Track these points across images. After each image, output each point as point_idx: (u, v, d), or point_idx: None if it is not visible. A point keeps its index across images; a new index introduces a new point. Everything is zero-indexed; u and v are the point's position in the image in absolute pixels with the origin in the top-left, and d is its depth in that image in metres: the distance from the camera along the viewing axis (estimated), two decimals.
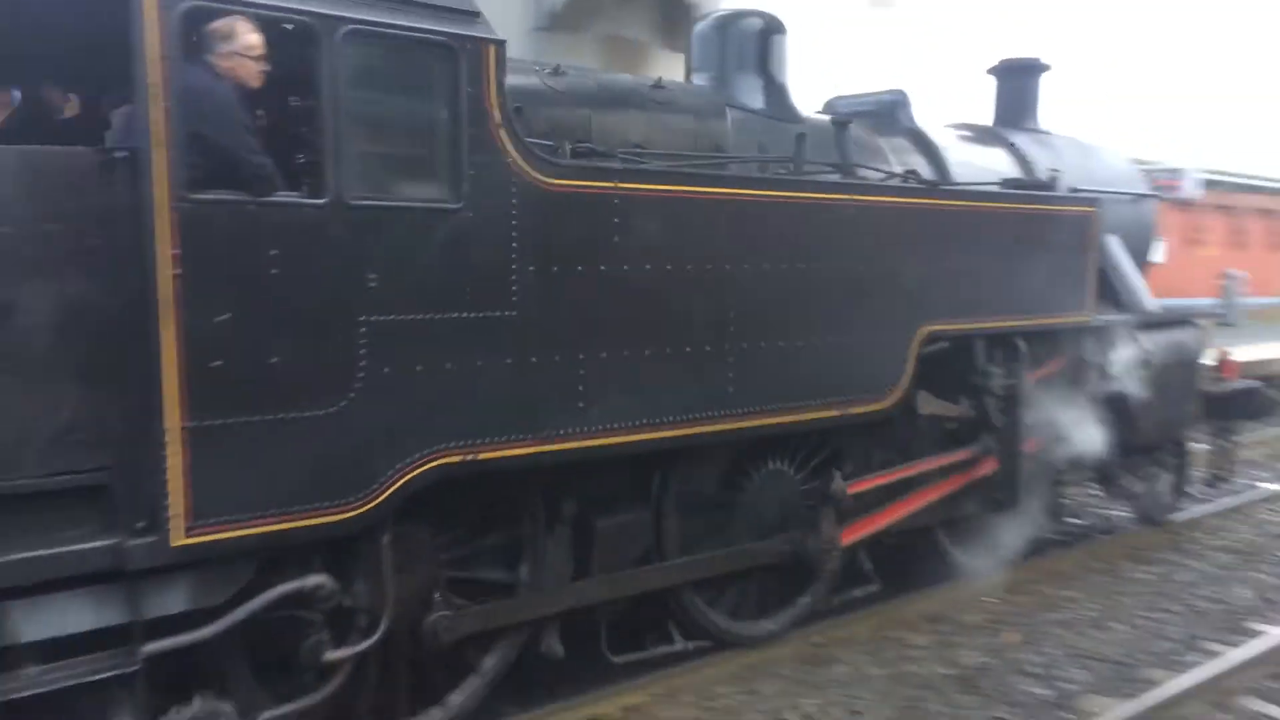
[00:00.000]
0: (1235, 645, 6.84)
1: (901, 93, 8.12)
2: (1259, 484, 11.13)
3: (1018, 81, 9.21)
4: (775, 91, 7.04)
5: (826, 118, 7.48)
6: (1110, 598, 7.79)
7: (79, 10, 4.28)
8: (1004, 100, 9.21)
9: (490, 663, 5.43)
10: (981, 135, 8.65)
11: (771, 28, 7.09)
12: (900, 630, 7.02)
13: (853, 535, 6.74)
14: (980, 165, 7.99)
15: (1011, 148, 8.52)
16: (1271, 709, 6.08)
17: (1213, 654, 6.73)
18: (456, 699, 5.33)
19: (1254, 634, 7.06)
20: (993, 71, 9.37)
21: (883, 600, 7.35)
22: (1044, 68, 9.29)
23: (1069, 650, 6.84)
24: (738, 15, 7.15)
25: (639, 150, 5.73)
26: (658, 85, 6.47)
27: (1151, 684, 6.27)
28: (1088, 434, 7.92)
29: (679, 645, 6.21)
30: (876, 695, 6.11)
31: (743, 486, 6.33)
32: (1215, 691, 6.20)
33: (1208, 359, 9.14)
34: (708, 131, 6.44)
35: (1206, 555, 8.79)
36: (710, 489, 6.24)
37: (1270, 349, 17.20)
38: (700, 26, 7.33)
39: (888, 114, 7.98)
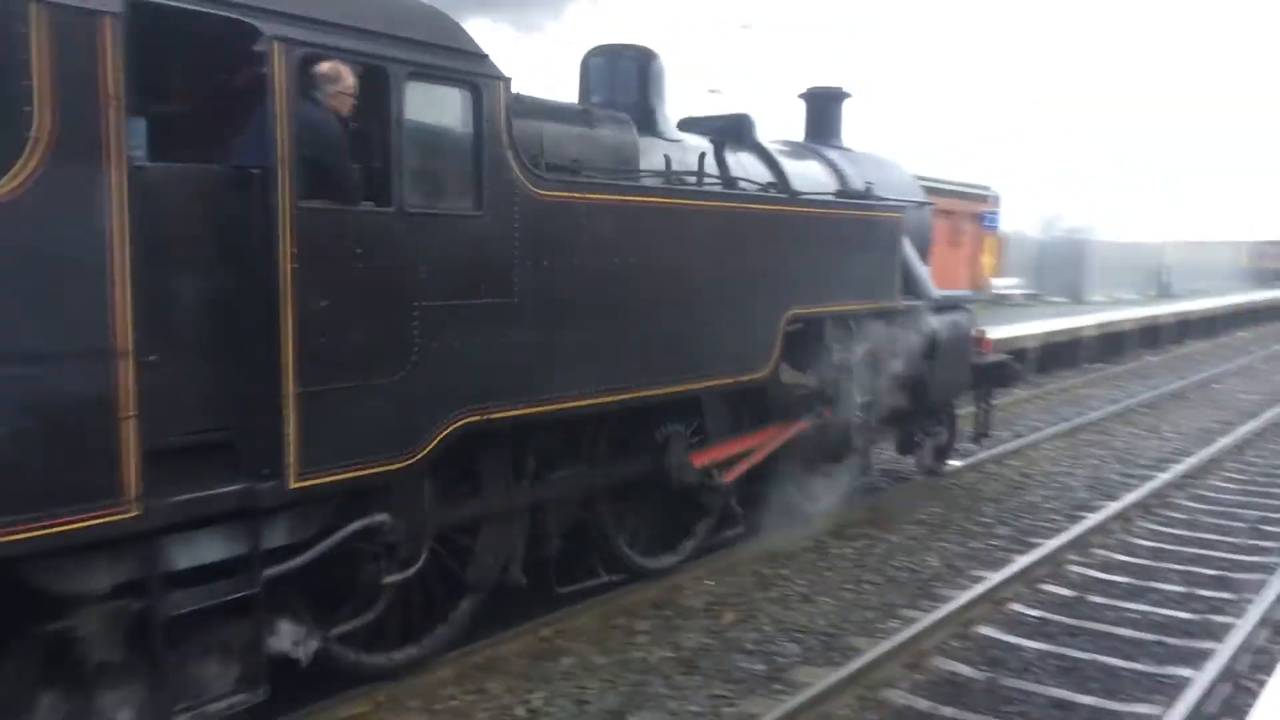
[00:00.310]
0: (926, 610, 7.44)
1: (747, 115, 9.19)
2: (949, 462, 12.15)
3: (824, 105, 10.58)
4: (653, 113, 8.14)
5: (704, 137, 8.49)
6: (818, 573, 8.30)
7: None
8: (812, 121, 10.53)
9: (459, 614, 6.41)
10: (799, 150, 9.82)
11: (650, 59, 8.20)
12: (625, 618, 7.19)
13: (702, 460, 7.87)
14: (809, 177, 9.24)
15: (826, 161, 9.77)
16: (957, 665, 6.68)
17: (908, 619, 7.30)
18: (427, 642, 6.25)
19: (942, 599, 7.71)
20: (803, 96, 10.69)
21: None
22: (846, 94, 10.72)
23: (782, 625, 7.24)
24: (624, 48, 8.26)
25: (577, 163, 6.69)
26: (584, 109, 7.50)
27: (856, 651, 6.73)
28: (897, 397, 9.73)
29: (604, 579, 7.44)
30: (603, 683, 6.24)
31: (651, 441, 7.51)
32: (910, 654, 6.74)
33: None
34: (624, 147, 7.38)
35: (900, 529, 9.53)
36: (628, 444, 7.42)
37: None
38: (592, 58, 8.31)
39: (736, 132, 8.98)
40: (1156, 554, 9.12)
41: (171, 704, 4.60)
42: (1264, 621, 7.24)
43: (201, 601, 4.67)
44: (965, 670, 6.62)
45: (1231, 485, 11.75)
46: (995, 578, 8.00)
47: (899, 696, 6.23)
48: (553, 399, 6.22)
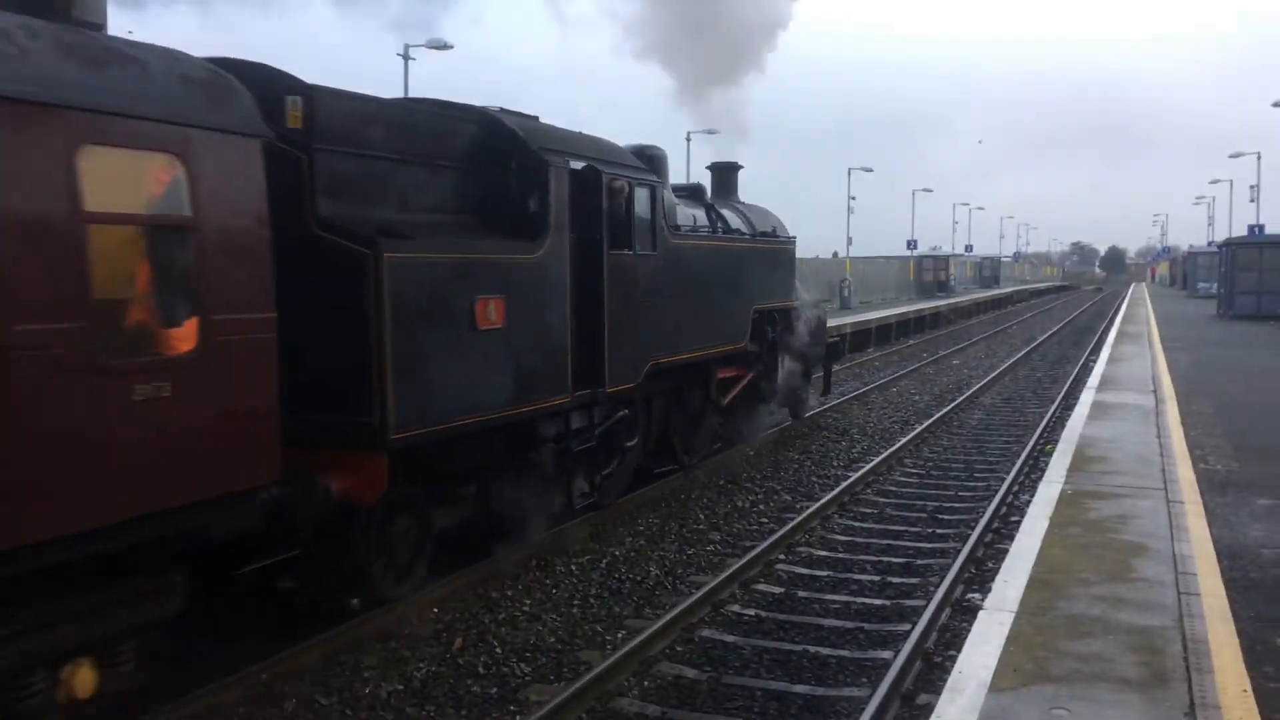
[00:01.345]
0: (650, 619, 7.67)
1: (700, 184, 14.24)
2: (687, 469, 12.53)
3: (725, 173, 14.90)
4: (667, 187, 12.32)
5: (696, 199, 13.39)
6: (544, 591, 8.36)
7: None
8: (717, 184, 14.73)
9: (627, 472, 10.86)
10: (720, 204, 13.87)
11: (662, 156, 12.25)
12: (351, 654, 6.93)
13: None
14: (734, 222, 13.65)
15: (737, 211, 14.11)
16: (683, 669, 6.92)
17: (634, 629, 7.49)
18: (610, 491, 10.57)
19: (665, 606, 7.97)
20: (710, 168, 15.10)
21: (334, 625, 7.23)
22: (740, 166, 15.05)
23: (512, 646, 7.23)
24: (646, 146, 12.01)
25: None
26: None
27: (587, 665, 6.82)
28: (796, 362, 15.17)
29: (668, 467, 12.25)
30: None
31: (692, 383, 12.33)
32: (638, 662, 6.92)
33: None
34: (670, 209, 11.59)
35: (621, 541, 9.76)
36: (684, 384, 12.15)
37: None
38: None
39: (695, 193, 13.73)
40: (852, 547, 9.86)
41: (572, 497, 9.65)
42: (947, 602, 7.98)
43: (579, 446, 9.53)
44: (690, 673, 6.87)
45: (911, 479, 12.91)
46: (712, 582, 8.36)
47: (630, 704, 6.39)
48: (675, 354, 11.19)
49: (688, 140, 41.76)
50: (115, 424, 5.12)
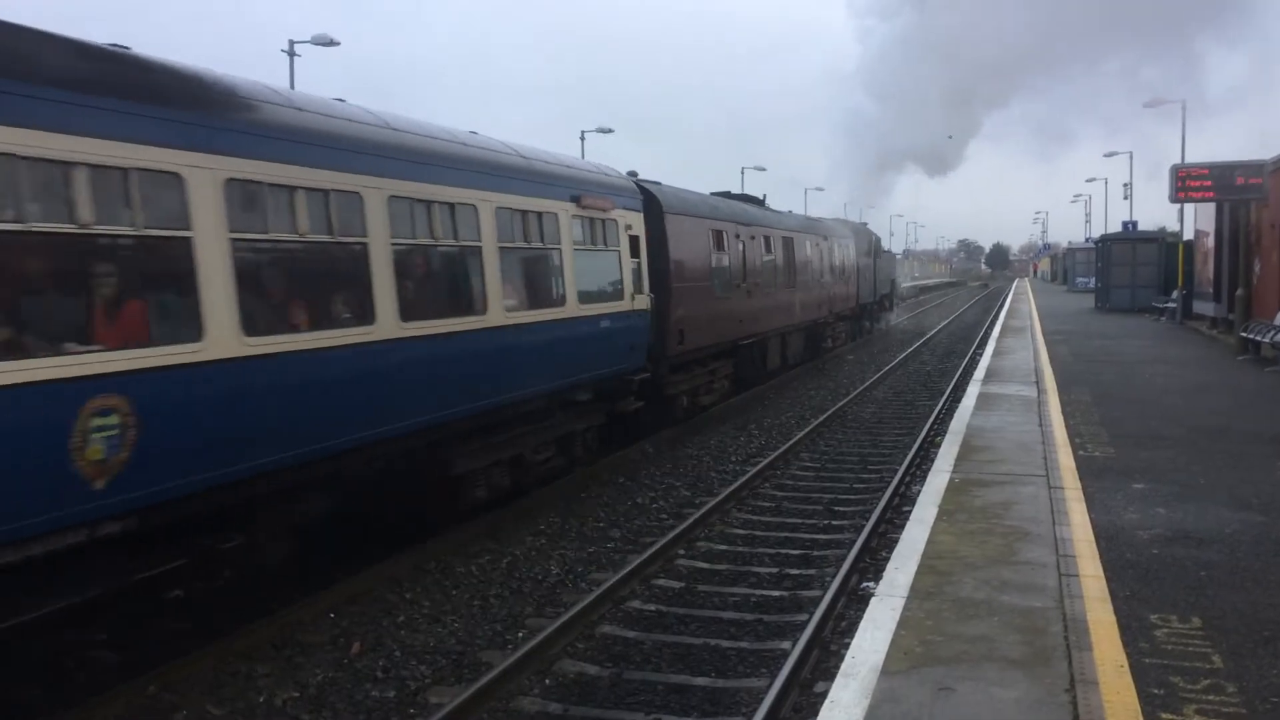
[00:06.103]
0: (551, 617, 7.66)
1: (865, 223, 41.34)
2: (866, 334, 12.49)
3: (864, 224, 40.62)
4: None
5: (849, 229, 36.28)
6: (444, 593, 8.29)
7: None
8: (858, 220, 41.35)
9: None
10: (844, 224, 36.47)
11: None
12: (243, 662, 6.79)
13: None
14: (862, 234, 37.68)
15: (857, 228, 36.88)
16: (584, 666, 6.93)
17: (535, 628, 7.47)
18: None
19: (566, 604, 7.97)
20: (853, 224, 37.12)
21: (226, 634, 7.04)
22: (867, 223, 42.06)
23: (411, 649, 7.16)
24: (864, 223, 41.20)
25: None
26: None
27: (487, 666, 6.78)
28: (888, 303, 44.05)
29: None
30: None
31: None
32: (540, 660, 6.91)
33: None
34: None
35: (522, 541, 9.73)
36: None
37: None
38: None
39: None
40: (751, 540, 9.99)
41: (861, 332, 36.93)
42: (842, 591, 8.15)
43: (862, 314, 36.21)
44: (592, 669, 6.89)
45: (808, 472, 13.13)
46: (613, 579, 8.39)
47: (532, 703, 6.38)
48: (882, 294, 40.90)
49: (582, 138, 42.10)
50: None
